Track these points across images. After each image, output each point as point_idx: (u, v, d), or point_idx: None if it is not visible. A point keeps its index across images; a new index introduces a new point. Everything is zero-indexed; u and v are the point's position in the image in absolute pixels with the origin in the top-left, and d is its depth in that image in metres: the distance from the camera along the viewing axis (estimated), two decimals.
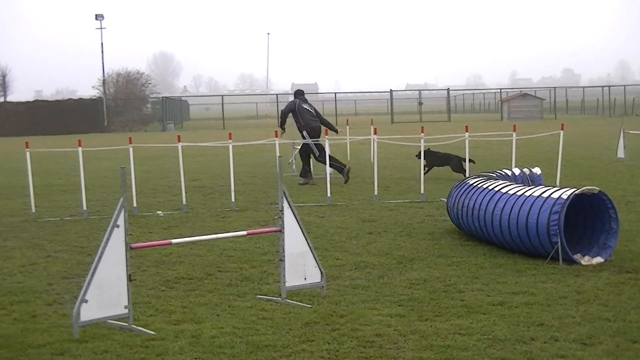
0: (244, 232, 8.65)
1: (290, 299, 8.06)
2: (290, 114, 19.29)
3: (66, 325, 7.32)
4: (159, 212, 14.85)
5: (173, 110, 70.39)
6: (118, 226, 7.08)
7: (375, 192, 15.67)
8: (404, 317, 7.47)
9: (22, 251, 11.24)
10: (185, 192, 15.44)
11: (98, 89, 70.05)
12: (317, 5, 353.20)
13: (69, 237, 12.30)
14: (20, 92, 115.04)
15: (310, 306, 7.87)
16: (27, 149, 14.90)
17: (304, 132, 18.97)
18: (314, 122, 19.20)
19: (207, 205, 15.61)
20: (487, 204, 10.54)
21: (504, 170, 12.65)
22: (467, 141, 16.05)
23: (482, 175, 12.06)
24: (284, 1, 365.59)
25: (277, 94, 73.08)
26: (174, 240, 8.17)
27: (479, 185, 11.18)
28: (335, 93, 69.94)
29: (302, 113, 19.16)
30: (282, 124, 19.70)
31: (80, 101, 65.11)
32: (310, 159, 19.13)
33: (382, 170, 18.41)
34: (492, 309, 7.64)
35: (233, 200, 15.24)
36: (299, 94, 19.75)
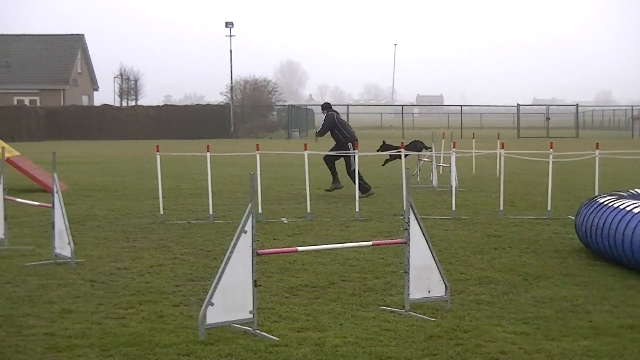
0: (370, 243, 8.65)
1: (414, 312, 8.01)
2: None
3: (192, 326, 7.46)
4: (283, 219, 14.99)
5: (298, 118, 71.05)
6: (245, 232, 7.16)
7: (501, 207, 15.45)
8: (529, 335, 7.33)
9: (151, 252, 11.51)
10: (310, 200, 15.54)
11: (225, 96, 71.44)
12: (445, 17, 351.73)
13: (195, 240, 12.54)
14: (150, 97, 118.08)
15: (433, 319, 7.80)
16: (158, 153, 15.26)
17: (349, 144, 18.76)
18: (355, 134, 19.32)
19: (331, 214, 15.68)
20: (618, 223, 10.26)
21: (635, 189, 12.31)
22: (597, 158, 15.69)
23: (613, 194, 11.76)
24: (412, 12, 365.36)
25: (402, 105, 72.99)
26: (299, 248, 8.23)
27: (610, 204, 10.89)
28: (461, 106, 69.42)
29: (344, 125, 19.24)
30: (321, 135, 19.46)
31: (208, 107, 66.41)
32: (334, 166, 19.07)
33: (507, 185, 18.15)
34: (623, 332, 7.43)
35: (357, 210, 15.26)
36: (329, 106, 19.75)
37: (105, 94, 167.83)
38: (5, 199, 11.73)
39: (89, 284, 9.43)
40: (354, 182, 17.92)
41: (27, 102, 66.94)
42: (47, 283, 9.45)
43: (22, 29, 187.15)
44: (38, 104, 67.04)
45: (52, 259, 10.67)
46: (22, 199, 13.16)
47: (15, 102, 66.63)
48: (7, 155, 12.65)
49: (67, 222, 10.40)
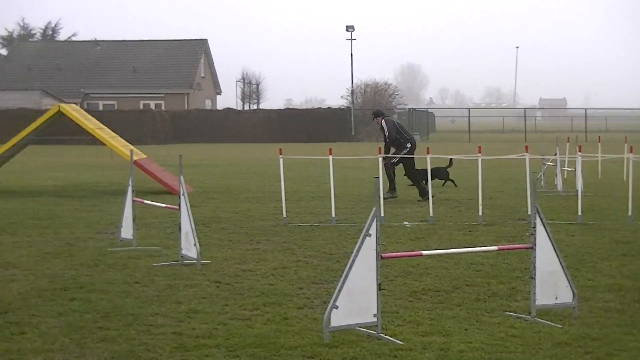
0: (495, 247, 8.53)
1: (540, 318, 7.86)
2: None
3: (316, 329, 7.49)
4: (405, 222, 14.94)
5: (419, 122, 70.78)
6: (370, 235, 7.16)
7: (630, 213, 15.03)
8: None
9: (274, 254, 11.63)
10: (432, 204, 15.43)
11: (346, 99, 71.64)
12: (568, 19, 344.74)
13: (318, 243, 12.61)
14: (272, 100, 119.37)
15: (561, 327, 7.64)
16: (280, 156, 15.42)
17: (408, 145, 18.63)
18: (413, 137, 19.22)
19: (454, 218, 15.55)
20: None
21: None
22: None
23: None
24: (533, 15, 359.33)
25: (524, 108, 71.86)
26: (424, 252, 8.19)
27: None
28: (585, 109, 67.94)
29: (402, 127, 19.21)
30: (393, 143, 18.92)
31: (329, 110, 66.76)
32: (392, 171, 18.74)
33: (637, 190, 17.66)
34: None
35: (480, 214, 15.09)
36: (382, 112, 19.76)
37: (228, 98, 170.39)
38: (133, 201, 12.03)
39: (214, 285, 9.58)
40: (415, 185, 17.86)
41: (152, 106, 68.59)
42: (174, 283, 9.64)
43: (148, 34, 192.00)
44: (163, 107, 68.60)
45: (178, 259, 10.89)
46: (149, 200, 13.48)
47: (141, 106, 68.33)
48: (134, 158, 12.96)
49: (193, 224, 10.60)
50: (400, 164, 18.84)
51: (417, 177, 18.69)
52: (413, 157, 18.47)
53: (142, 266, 10.70)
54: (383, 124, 18.98)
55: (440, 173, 21.00)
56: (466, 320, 7.91)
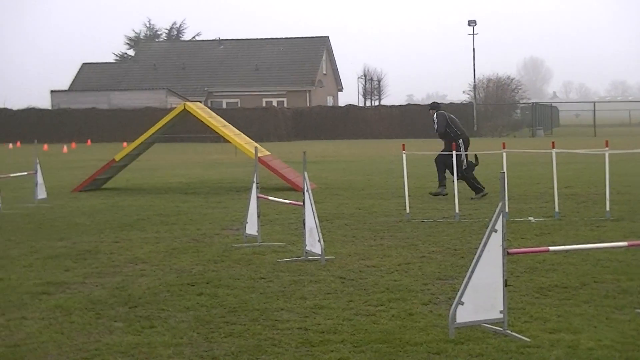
0: (625, 243, 8.30)
1: None
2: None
3: (441, 325, 7.43)
4: (530, 218, 14.68)
5: (543, 116, 69.57)
6: (496, 231, 7.06)
7: None
8: None
9: (398, 250, 11.59)
10: (558, 199, 15.13)
11: (468, 94, 70.98)
12: None
13: (442, 239, 12.51)
14: (393, 96, 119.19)
15: None
16: (404, 152, 15.36)
17: (460, 141, 18.08)
18: (466, 132, 19.08)
19: (580, 214, 15.20)
20: None
21: None
22: None
23: None
24: None
25: None
26: (551, 248, 8.00)
27: None
28: None
29: (454, 122, 18.81)
30: (442, 135, 18.74)
31: (451, 105, 66.20)
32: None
33: None
34: None
35: (607, 209, 14.70)
36: (438, 105, 19.30)
37: (349, 95, 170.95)
38: (258, 197, 12.18)
39: (339, 280, 9.61)
40: (466, 182, 17.52)
41: (275, 104, 69.38)
42: (298, 279, 9.71)
43: (270, 33, 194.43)
44: (285, 104, 69.31)
45: (302, 255, 10.97)
46: (273, 197, 13.61)
47: (263, 104, 69.22)
48: (258, 155, 13.11)
49: (317, 220, 10.66)
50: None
51: (465, 173, 18.21)
52: (463, 155, 18.05)
53: (267, 262, 10.82)
54: (434, 117, 18.80)
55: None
56: (595, 317, 7.72)
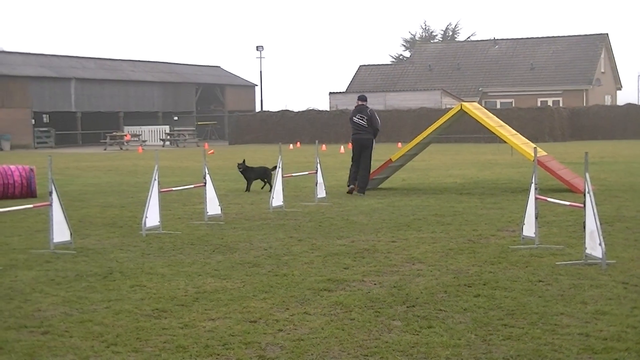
0: None
1: None
2: None
3: None
4: None
5: None
6: None
7: None
8: None
9: None
10: None
11: None
12: None
13: None
14: None
15: None
16: None
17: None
18: (356, 134, 20.42)
19: None
20: None
21: None
22: None
23: None
24: None
25: None
26: None
27: None
28: None
29: (351, 125, 20.59)
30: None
31: None
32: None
33: None
34: None
35: None
36: (360, 99, 20.99)
37: (629, 93, 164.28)
38: (536, 198, 11.94)
39: (621, 285, 9.25)
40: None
41: (550, 103, 67.91)
42: (578, 283, 9.43)
43: (546, 31, 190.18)
44: (561, 104, 67.65)
45: (582, 259, 10.64)
46: (551, 198, 13.29)
47: (538, 104, 67.91)
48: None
49: (598, 223, 10.30)
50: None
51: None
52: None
53: (545, 264, 10.58)
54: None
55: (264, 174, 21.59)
56: None
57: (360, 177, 20.43)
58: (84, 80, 68.63)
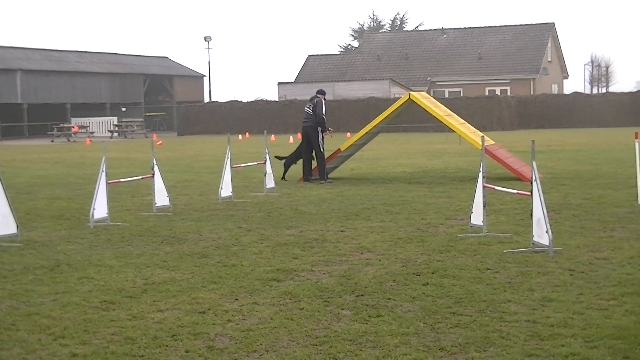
0: None
1: None
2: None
3: None
4: None
5: None
6: None
7: None
8: None
9: (630, 242, 11.13)
10: None
11: None
12: None
13: None
14: (622, 83, 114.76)
15: None
16: (637, 140, 14.71)
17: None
18: (303, 122, 21.34)
19: None
20: None
21: None
22: None
23: None
24: None
25: None
26: None
27: None
28: None
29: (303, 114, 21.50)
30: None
31: None
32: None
33: None
34: None
35: None
36: (318, 92, 21.53)
37: (575, 82, 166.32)
38: (484, 187, 12.02)
39: (567, 273, 9.35)
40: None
41: (498, 92, 68.45)
42: (526, 270, 9.52)
43: (494, 20, 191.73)
44: (508, 93, 68.24)
45: (529, 246, 10.74)
46: (498, 186, 13.39)
47: (486, 93, 68.43)
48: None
49: (545, 211, 10.39)
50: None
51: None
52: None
53: (492, 252, 10.67)
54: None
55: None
56: None
57: (318, 166, 20.66)
58: (30, 71, 67.68)
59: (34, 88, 67.95)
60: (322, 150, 20.81)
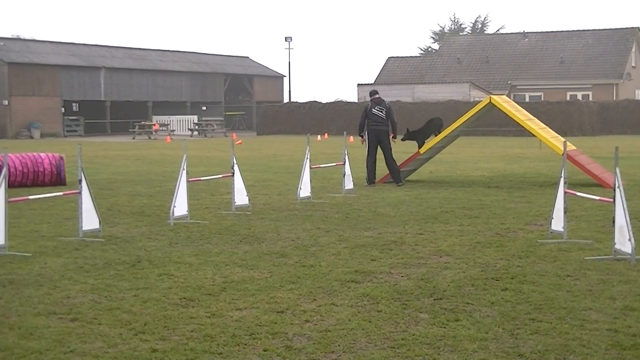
0: None
1: None
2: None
3: None
4: None
5: None
6: None
7: None
8: None
9: None
10: None
11: None
12: None
13: None
14: None
15: None
16: None
17: (364, 134, 20.70)
18: (375, 125, 20.54)
19: None
20: None
21: None
22: None
23: None
24: None
25: None
26: None
27: None
28: None
29: (370, 116, 20.67)
30: (361, 132, 20.89)
31: None
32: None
33: None
34: None
35: None
36: (371, 94, 21.08)
37: None
38: (565, 192, 11.87)
39: None
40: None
41: (579, 97, 67.41)
42: (607, 278, 9.38)
43: (577, 25, 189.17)
44: (590, 98, 67.18)
45: (611, 254, 10.58)
46: (580, 192, 13.21)
47: (567, 98, 67.45)
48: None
49: (628, 218, 10.22)
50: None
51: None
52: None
53: (573, 259, 10.53)
54: None
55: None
56: None
57: (391, 169, 20.56)
58: (113, 69, 68.87)
59: (117, 86, 69.11)
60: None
